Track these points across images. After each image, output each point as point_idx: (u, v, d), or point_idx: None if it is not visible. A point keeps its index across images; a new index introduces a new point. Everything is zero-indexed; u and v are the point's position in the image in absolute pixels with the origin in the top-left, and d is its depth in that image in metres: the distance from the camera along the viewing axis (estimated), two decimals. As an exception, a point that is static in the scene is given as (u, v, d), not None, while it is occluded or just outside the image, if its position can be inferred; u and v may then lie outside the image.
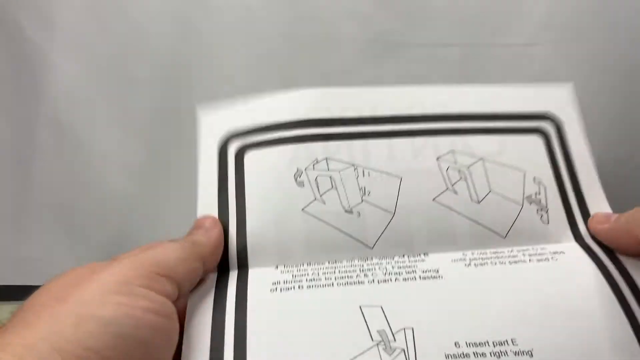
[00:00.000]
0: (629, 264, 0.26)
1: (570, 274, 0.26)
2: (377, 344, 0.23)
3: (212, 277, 0.27)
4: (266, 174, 0.28)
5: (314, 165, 0.28)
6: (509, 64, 0.57)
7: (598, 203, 0.29)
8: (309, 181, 0.28)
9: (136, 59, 0.56)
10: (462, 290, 0.25)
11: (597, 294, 0.24)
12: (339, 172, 0.28)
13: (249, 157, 0.28)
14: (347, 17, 0.56)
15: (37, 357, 0.18)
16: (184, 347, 0.23)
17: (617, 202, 0.62)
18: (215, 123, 0.29)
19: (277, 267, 0.27)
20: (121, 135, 0.58)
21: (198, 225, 0.27)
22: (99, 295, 0.20)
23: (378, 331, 0.23)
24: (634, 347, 0.23)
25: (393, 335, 0.23)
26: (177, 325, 0.23)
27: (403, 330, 0.23)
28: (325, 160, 0.28)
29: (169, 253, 0.24)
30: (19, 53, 0.56)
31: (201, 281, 0.26)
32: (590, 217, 0.29)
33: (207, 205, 0.28)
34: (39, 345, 0.18)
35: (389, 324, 0.24)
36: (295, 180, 0.28)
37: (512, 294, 0.25)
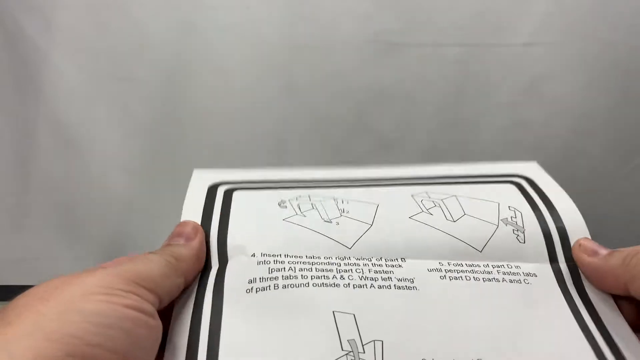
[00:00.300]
0: (595, 298, 0.26)
1: (539, 302, 0.26)
2: (347, 354, 0.23)
3: (196, 276, 0.27)
4: (252, 201, 0.30)
5: (297, 198, 0.31)
6: (509, 64, 0.57)
7: (577, 228, 0.29)
8: (292, 205, 0.30)
9: (136, 59, 0.57)
10: (435, 305, 0.26)
11: (563, 326, 0.25)
12: (320, 201, 0.31)
13: (237, 195, 0.31)
14: (347, 17, 0.56)
15: (21, 349, 0.18)
16: (166, 347, 0.23)
17: (617, 202, 0.62)
18: (206, 176, 0.32)
19: (254, 255, 0.27)
20: (121, 135, 0.58)
21: (178, 233, 0.27)
22: (81, 294, 0.21)
23: (349, 341, 0.24)
24: None
25: (363, 346, 0.23)
26: (160, 324, 0.23)
27: (373, 343, 0.24)
28: (308, 196, 0.31)
29: (152, 268, 0.24)
30: (19, 53, 0.56)
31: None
32: (577, 243, 0.28)
33: (190, 217, 0.29)
34: (23, 339, 0.19)
35: (359, 335, 0.24)
36: (279, 205, 0.30)
37: (482, 314, 0.25)
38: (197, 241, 0.27)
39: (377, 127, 0.60)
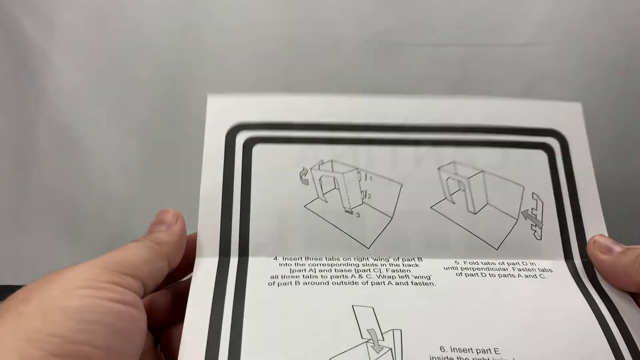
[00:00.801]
0: (612, 293, 0.27)
1: (555, 295, 0.27)
2: (367, 342, 0.24)
3: (214, 263, 0.27)
4: (273, 168, 0.29)
5: (319, 165, 0.30)
6: (509, 64, 0.57)
7: (595, 224, 0.29)
8: (314, 180, 0.29)
9: (136, 59, 0.57)
10: (452, 298, 0.26)
11: (579, 317, 0.26)
12: (343, 174, 0.29)
13: (257, 150, 0.29)
14: (347, 17, 0.56)
15: (4, 351, 0.18)
16: (184, 331, 0.23)
17: (617, 202, 0.62)
18: (223, 111, 0.30)
19: (275, 258, 0.28)
20: (121, 135, 0.58)
21: (159, 220, 0.27)
22: (63, 291, 0.21)
23: (368, 330, 0.24)
24: None
25: (382, 334, 0.24)
26: (144, 314, 0.23)
27: (392, 331, 0.24)
28: (330, 162, 0.30)
29: (134, 254, 0.24)
30: (19, 53, 0.56)
31: (202, 266, 0.27)
32: (592, 240, 0.28)
33: (210, 188, 0.28)
34: (5, 341, 0.19)
35: (378, 324, 0.25)
36: (301, 178, 0.29)
37: (498, 306, 0.26)
38: (177, 227, 0.27)
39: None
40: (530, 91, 0.58)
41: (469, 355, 0.24)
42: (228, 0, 0.55)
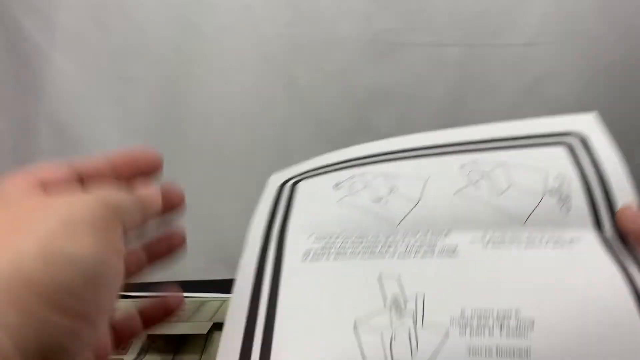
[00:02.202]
0: None
1: (581, 260, 0.26)
2: (391, 306, 0.26)
3: (256, 248, 0.31)
4: (312, 188, 0.34)
5: (350, 178, 0.34)
6: (509, 64, 0.57)
7: (625, 196, 0.28)
8: (344, 185, 0.33)
9: (136, 59, 0.56)
10: (476, 267, 0.27)
11: (606, 281, 0.25)
12: (371, 179, 0.33)
13: (301, 185, 0.35)
14: (347, 17, 0.56)
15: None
16: (231, 303, 0.27)
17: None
18: (279, 176, 0.36)
19: (309, 236, 0.30)
20: (121, 135, 0.58)
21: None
22: (64, 225, 0.18)
23: (393, 293, 0.26)
24: (636, 325, 0.23)
25: (406, 296, 0.26)
26: (122, 264, 0.20)
27: (415, 295, 0.26)
28: (361, 174, 0.34)
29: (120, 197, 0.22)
30: (19, 53, 0.56)
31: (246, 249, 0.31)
32: (621, 211, 0.28)
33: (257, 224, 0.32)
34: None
35: (403, 290, 0.26)
36: (334, 188, 0.33)
37: (521, 270, 0.26)
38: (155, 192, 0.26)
39: (378, 127, 0.60)
40: (530, 91, 0.58)
41: (490, 315, 0.24)
42: (228, 0, 0.55)
